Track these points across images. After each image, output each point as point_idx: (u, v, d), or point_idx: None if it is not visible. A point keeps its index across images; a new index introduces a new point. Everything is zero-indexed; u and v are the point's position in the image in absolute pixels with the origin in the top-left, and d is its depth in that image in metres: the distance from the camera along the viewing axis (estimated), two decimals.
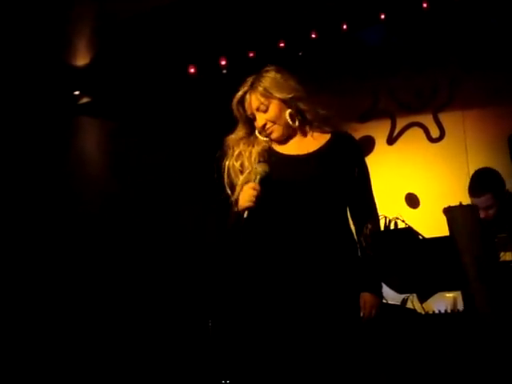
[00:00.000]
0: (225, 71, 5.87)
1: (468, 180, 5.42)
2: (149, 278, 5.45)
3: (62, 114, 5.46)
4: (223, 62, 5.86)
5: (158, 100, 5.80)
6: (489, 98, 6.29)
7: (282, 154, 3.12)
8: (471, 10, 6.06)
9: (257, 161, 3.02)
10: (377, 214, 3.20)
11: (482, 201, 4.65)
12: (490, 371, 4.07)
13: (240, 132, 3.17)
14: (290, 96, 3.08)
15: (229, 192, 3.08)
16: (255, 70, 3.23)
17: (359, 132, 6.35)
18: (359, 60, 6.48)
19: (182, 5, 5.28)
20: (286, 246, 2.97)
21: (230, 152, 3.12)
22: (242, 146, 3.11)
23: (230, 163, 3.10)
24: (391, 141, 6.67)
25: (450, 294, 4.97)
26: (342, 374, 2.87)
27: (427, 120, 6.58)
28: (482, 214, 4.66)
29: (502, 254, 4.45)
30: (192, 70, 5.84)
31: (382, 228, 4.48)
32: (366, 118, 6.70)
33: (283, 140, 3.14)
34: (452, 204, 4.91)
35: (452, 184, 6.18)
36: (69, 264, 5.14)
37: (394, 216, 4.47)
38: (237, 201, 2.99)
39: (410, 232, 4.42)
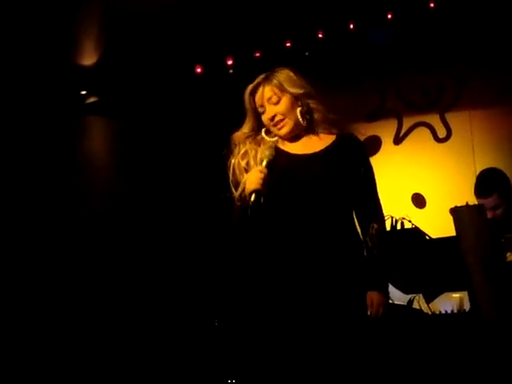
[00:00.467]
0: (231, 71, 5.87)
1: (475, 180, 5.41)
2: (155, 277, 5.46)
3: (69, 114, 5.48)
4: (230, 62, 5.87)
5: (165, 99, 5.80)
6: (496, 97, 6.27)
7: (288, 153, 3.13)
8: (478, 9, 6.04)
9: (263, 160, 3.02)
10: (382, 213, 3.20)
11: (489, 201, 4.64)
12: (496, 372, 4.06)
13: (246, 128, 3.17)
14: (302, 92, 3.10)
15: (233, 190, 3.08)
16: (262, 70, 3.24)
17: (366, 131, 6.33)
18: (366, 60, 6.46)
19: (189, 4, 5.29)
20: (292, 244, 2.98)
21: (236, 150, 3.13)
22: (248, 144, 3.11)
23: (236, 161, 3.11)
24: (398, 141, 6.65)
25: (456, 295, 4.96)
26: (348, 374, 2.87)
27: (434, 120, 6.56)
28: (489, 215, 4.66)
29: (508, 254, 4.44)
30: (199, 70, 5.85)
31: (389, 228, 4.48)
32: (372, 117, 6.68)
33: (290, 138, 3.14)
34: (459, 204, 4.91)
35: (459, 184, 6.16)
36: (75, 261, 5.16)
37: (401, 216, 4.45)
38: (241, 197, 2.99)
39: (416, 232, 4.41)
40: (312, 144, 3.13)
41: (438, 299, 4.59)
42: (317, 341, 2.90)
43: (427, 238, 4.42)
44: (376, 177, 3.21)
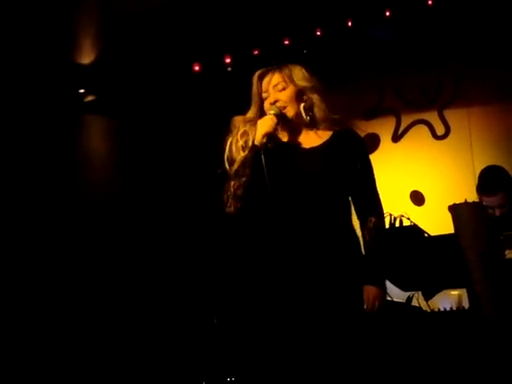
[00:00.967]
0: (229, 69, 5.87)
1: (473, 177, 5.40)
2: (154, 275, 5.47)
3: (67, 112, 5.48)
4: (228, 60, 5.87)
5: (163, 97, 5.80)
6: (494, 94, 6.28)
7: (287, 145, 3.14)
8: (476, 6, 6.04)
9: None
10: (381, 208, 3.20)
11: (496, 199, 4.64)
12: (495, 368, 4.07)
13: (249, 113, 3.19)
14: (308, 85, 3.13)
15: (227, 167, 3.08)
16: (260, 68, 3.24)
17: (364, 129, 6.32)
18: (364, 58, 6.46)
19: (187, 2, 5.29)
20: (288, 238, 2.98)
21: (235, 131, 3.14)
22: (248, 126, 3.12)
23: (234, 139, 3.12)
24: (396, 138, 6.66)
25: (455, 292, 4.98)
26: (346, 371, 2.87)
27: (432, 117, 6.57)
28: (497, 212, 4.67)
29: (507, 251, 4.44)
30: (197, 68, 5.85)
31: (388, 226, 4.48)
32: (371, 115, 6.68)
33: (289, 131, 3.15)
34: (457, 201, 4.92)
35: (457, 181, 6.17)
36: (74, 259, 5.17)
37: (400, 213, 4.46)
38: (236, 172, 3.02)
39: (415, 230, 4.41)
40: (310, 139, 3.14)
41: (436, 296, 4.60)
42: (314, 338, 2.90)
43: (426, 235, 4.43)
44: (375, 174, 3.21)
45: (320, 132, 3.16)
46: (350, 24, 5.99)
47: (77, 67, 5.50)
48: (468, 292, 4.67)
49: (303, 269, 2.95)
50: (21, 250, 4.92)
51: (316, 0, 5.66)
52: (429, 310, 4.51)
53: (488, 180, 4.74)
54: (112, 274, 5.31)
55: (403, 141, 6.64)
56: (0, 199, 4.93)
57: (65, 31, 5.11)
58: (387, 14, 5.99)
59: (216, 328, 5.27)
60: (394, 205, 4.52)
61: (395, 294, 4.53)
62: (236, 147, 3.11)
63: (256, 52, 5.86)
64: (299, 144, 3.14)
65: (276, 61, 3.27)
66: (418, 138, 6.58)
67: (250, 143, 3.06)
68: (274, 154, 3.04)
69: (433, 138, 6.55)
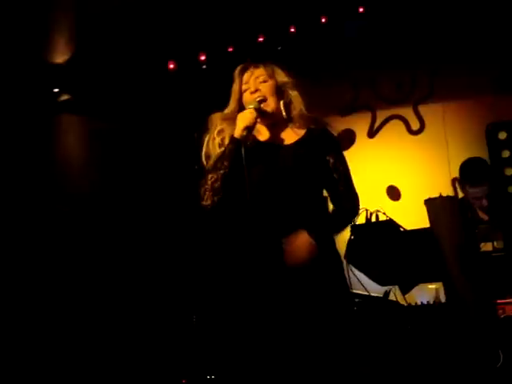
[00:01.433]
0: (204, 66, 5.87)
1: (448, 172, 5.46)
2: (133, 273, 5.45)
3: (41, 112, 5.45)
4: (203, 58, 5.86)
5: (138, 96, 5.78)
6: (468, 90, 6.32)
7: (262, 142, 3.15)
8: (450, 2, 6.07)
9: None
10: (357, 200, 3.18)
11: (483, 190, 4.69)
12: (473, 360, 4.11)
13: (227, 109, 3.19)
14: (288, 81, 3.17)
15: (204, 162, 3.09)
16: (235, 65, 3.25)
17: (340, 125, 6.35)
18: (339, 54, 6.48)
19: (161, 1, 5.27)
20: (265, 234, 2.98)
21: (213, 128, 3.15)
22: (225, 124, 3.13)
23: (211, 136, 3.14)
24: (372, 134, 6.68)
25: (432, 286, 5.01)
26: (324, 365, 2.88)
27: (407, 112, 6.61)
28: (485, 202, 4.70)
29: (482, 244, 4.49)
30: (171, 66, 5.84)
31: (364, 221, 4.51)
32: (346, 111, 6.70)
33: (267, 126, 3.16)
34: (433, 196, 4.97)
35: (433, 176, 6.21)
36: (55, 261, 5.15)
37: (375, 209, 4.49)
38: (214, 164, 3.02)
39: (391, 224, 4.46)
40: (286, 136, 3.16)
41: (414, 290, 4.66)
42: (293, 334, 2.90)
43: (402, 229, 4.47)
44: (351, 170, 3.22)
45: (295, 129, 3.18)
46: (323, 20, 6.00)
47: (51, 66, 5.47)
48: (445, 286, 4.72)
49: (280, 266, 2.95)
50: None
51: None
52: (406, 304, 4.53)
53: (473, 171, 4.76)
54: (90, 270, 5.29)
55: (379, 136, 6.67)
56: None
57: (38, 30, 5.08)
58: (361, 10, 6.01)
59: (195, 326, 5.26)
60: (370, 200, 4.55)
61: (372, 288, 4.57)
62: (213, 144, 3.12)
63: (231, 49, 5.85)
64: (275, 141, 3.15)
65: (251, 58, 3.28)
66: (393, 133, 6.62)
67: (227, 141, 3.07)
68: (251, 152, 3.04)
69: (408, 134, 6.59)
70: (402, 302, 4.53)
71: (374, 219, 4.46)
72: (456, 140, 6.32)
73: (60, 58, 5.46)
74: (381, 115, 6.68)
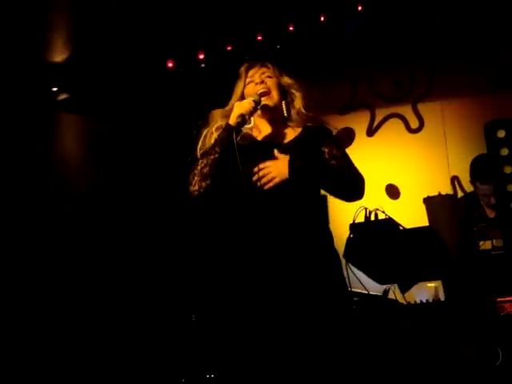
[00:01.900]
0: (203, 65, 5.87)
1: (447, 170, 5.45)
2: (131, 272, 5.45)
3: (40, 111, 5.45)
4: (201, 56, 5.86)
5: (137, 94, 5.78)
6: (467, 88, 6.31)
7: (260, 142, 3.15)
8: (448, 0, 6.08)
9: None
10: (360, 178, 3.16)
11: (491, 187, 4.68)
12: (472, 358, 4.10)
13: (228, 107, 3.20)
14: (292, 82, 3.23)
15: (198, 155, 3.09)
16: (233, 64, 3.27)
17: (339, 124, 6.33)
18: (338, 52, 6.47)
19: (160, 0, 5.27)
20: (258, 236, 2.97)
21: (213, 123, 3.16)
22: (225, 120, 3.14)
23: (209, 131, 3.16)
24: (371, 132, 6.68)
25: (431, 284, 5.00)
26: (323, 364, 2.88)
27: (406, 111, 6.60)
28: (493, 200, 4.69)
29: (481, 242, 4.49)
30: (170, 65, 5.84)
31: (363, 219, 4.50)
32: (345, 110, 6.70)
33: (267, 122, 3.17)
34: (432, 194, 4.97)
35: (432, 174, 6.21)
36: (52, 257, 5.15)
37: (374, 207, 4.48)
38: (205, 151, 3.03)
39: (390, 223, 4.46)
40: (282, 134, 3.17)
41: (413, 289, 4.65)
42: (289, 333, 2.90)
43: (401, 228, 4.47)
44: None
45: (293, 127, 3.19)
46: (322, 19, 5.99)
47: (49, 65, 5.47)
48: (444, 284, 4.72)
49: (274, 262, 2.95)
50: None
51: None
52: (405, 303, 4.53)
53: (483, 168, 4.74)
54: (90, 272, 5.29)
55: (378, 135, 6.67)
56: None
57: (37, 29, 5.07)
58: (359, 8, 6.00)
59: (194, 325, 5.26)
60: (370, 199, 4.53)
61: (372, 287, 4.57)
62: (209, 139, 3.13)
63: (229, 48, 5.85)
64: (273, 139, 3.16)
65: (249, 56, 3.30)
66: (392, 131, 6.61)
67: None
68: (248, 149, 3.04)
69: (407, 132, 6.59)
70: (402, 301, 4.53)
71: (373, 218, 4.46)
72: (455, 138, 6.32)
73: (58, 56, 5.46)
74: (380, 113, 6.68)
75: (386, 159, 6.50)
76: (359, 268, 4.43)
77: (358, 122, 6.69)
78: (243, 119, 2.99)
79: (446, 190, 5.02)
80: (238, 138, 2.99)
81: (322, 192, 3.15)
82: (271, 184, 2.99)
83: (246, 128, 3.12)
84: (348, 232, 4.46)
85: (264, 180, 2.99)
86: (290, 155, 3.03)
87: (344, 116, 6.66)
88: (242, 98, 3.20)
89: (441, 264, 4.36)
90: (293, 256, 2.95)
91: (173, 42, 5.73)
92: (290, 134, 3.17)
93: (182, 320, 5.35)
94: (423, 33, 6.29)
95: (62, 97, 5.70)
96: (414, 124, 6.57)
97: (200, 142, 3.14)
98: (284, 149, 3.08)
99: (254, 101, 3.06)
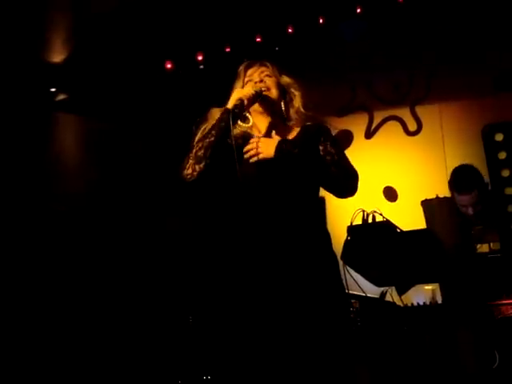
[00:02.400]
0: (202, 66, 5.87)
1: (445, 173, 5.44)
2: (129, 273, 5.45)
3: (38, 111, 5.45)
4: (200, 58, 5.86)
5: (135, 95, 5.78)
6: (465, 90, 6.32)
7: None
8: (447, 2, 6.08)
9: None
10: (354, 174, 3.16)
11: (470, 197, 4.72)
12: (468, 361, 4.11)
13: (228, 105, 3.19)
14: (292, 82, 3.22)
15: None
16: (232, 65, 3.27)
17: (337, 126, 6.34)
18: (336, 55, 6.48)
19: (159, 0, 5.27)
20: (259, 235, 2.97)
21: (211, 120, 3.15)
22: None
23: (208, 126, 3.13)
24: (369, 135, 6.68)
25: (428, 287, 5.01)
26: (320, 366, 2.88)
27: (404, 113, 6.61)
28: (470, 211, 4.73)
29: (478, 246, 4.50)
30: (169, 66, 5.84)
31: (360, 222, 4.50)
32: (343, 112, 6.71)
33: (266, 118, 3.17)
34: (429, 197, 4.98)
35: (429, 177, 6.21)
36: (49, 257, 5.15)
37: (372, 209, 4.48)
38: (201, 136, 3.03)
39: (387, 225, 4.46)
40: (281, 133, 3.16)
41: (410, 291, 4.66)
42: (289, 336, 2.90)
43: (398, 230, 4.47)
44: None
45: (293, 127, 3.18)
46: (321, 21, 6.00)
47: (48, 66, 5.47)
48: (441, 286, 4.73)
49: (272, 264, 2.94)
50: None
51: None
52: (402, 305, 4.53)
53: (461, 178, 4.79)
54: (87, 273, 5.29)
55: (376, 137, 6.67)
56: None
57: (36, 29, 5.08)
58: (358, 10, 6.01)
59: (192, 327, 5.26)
60: (367, 201, 4.55)
61: (369, 289, 4.57)
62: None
63: (228, 49, 5.85)
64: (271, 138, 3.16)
65: (248, 58, 3.29)
66: (390, 134, 6.62)
67: None
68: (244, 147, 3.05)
69: (405, 134, 6.59)
70: (399, 303, 4.54)
71: (370, 220, 4.46)
72: (453, 141, 6.33)
73: (57, 57, 5.46)
74: (378, 116, 6.68)
75: (383, 162, 6.50)
76: (357, 270, 4.44)
77: (357, 125, 6.69)
78: (242, 104, 2.98)
79: (444, 192, 5.02)
80: (236, 128, 3.01)
81: (321, 194, 3.15)
82: (255, 158, 2.99)
83: (245, 127, 3.13)
84: (345, 234, 4.46)
85: (250, 153, 2.99)
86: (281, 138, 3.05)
87: (342, 118, 6.66)
88: None
89: (438, 267, 4.36)
90: (291, 257, 2.94)
91: (171, 43, 5.73)
92: (289, 133, 3.17)
93: (179, 322, 5.35)
94: (421, 36, 6.30)
95: (61, 97, 5.70)
96: (412, 127, 6.58)
97: (197, 137, 3.13)
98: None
99: (255, 90, 3.06)
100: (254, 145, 3.01)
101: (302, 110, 3.20)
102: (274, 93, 3.16)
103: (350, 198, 3.16)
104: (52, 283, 5.13)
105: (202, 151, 3.00)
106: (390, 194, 6.48)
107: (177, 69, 5.85)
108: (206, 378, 5.04)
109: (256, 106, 3.12)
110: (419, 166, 6.39)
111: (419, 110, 6.57)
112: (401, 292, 4.51)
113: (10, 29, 4.92)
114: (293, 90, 3.22)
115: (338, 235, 4.31)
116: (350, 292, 4.22)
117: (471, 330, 4.24)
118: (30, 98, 5.43)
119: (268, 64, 3.24)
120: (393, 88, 6.65)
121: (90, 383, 5.05)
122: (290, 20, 5.93)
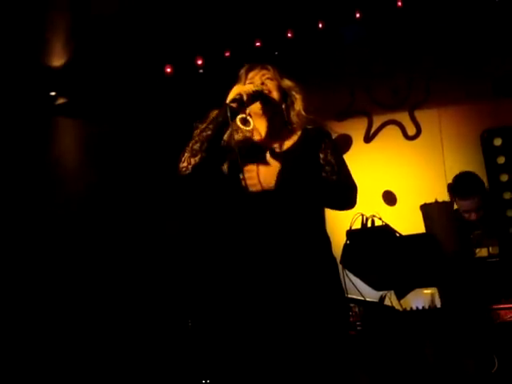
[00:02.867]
0: (201, 71, 5.87)
1: (444, 177, 5.46)
2: (128, 276, 5.45)
3: (38, 115, 5.45)
4: (199, 62, 5.87)
5: (135, 99, 5.79)
6: (464, 95, 6.33)
7: (257, 144, 3.15)
8: (446, 6, 6.09)
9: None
10: (353, 186, 3.16)
11: (472, 203, 4.75)
12: (467, 366, 4.11)
13: None
14: (293, 85, 3.23)
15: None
16: (232, 70, 3.27)
17: (336, 130, 6.33)
18: (335, 59, 6.50)
19: (158, 4, 5.28)
20: (259, 239, 2.98)
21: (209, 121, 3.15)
22: None
23: (206, 127, 3.13)
24: (368, 139, 6.69)
25: (427, 291, 5.01)
26: (319, 370, 2.88)
27: (403, 118, 6.61)
28: (473, 216, 4.76)
29: (477, 250, 4.51)
30: (168, 70, 5.85)
31: (359, 226, 4.51)
32: (343, 116, 6.71)
33: (266, 123, 3.17)
34: (428, 201, 4.98)
35: (428, 181, 6.22)
36: (49, 260, 5.15)
37: (371, 214, 4.49)
38: (200, 131, 3.04)
39: (387, 230, 4.46)
40: (281, 138, 3.15)
41: (409, 296, 4.66)
42: (288, 340, 2.90)
43: (398, 235, 4.47)
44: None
45: (294, 131, 3.18)
46: (320, 26, 6.01)
47: (48, 70, 5.47)
48: (440, 291, 4.73)
49: (271, 267, 2.94)
50: None
51: (287, 2, 5.67)
52: (401, 309, 4.54)
53: (463, 184, 4.82)
54: (87, 276, 5.29)
55: (375, 141, 6.68)
56: None
57: (35, 33, 5.08)
58: (357, 15, 6.03)
59: (191, 330, 5.26)
60: (366, 205, 4.55)
61: (368, 293, 4.57)
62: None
63: (227, 54, 5.86)
64: (271, 142, 3.15)
65: (248, 62, 3.29)
66: (389, 138, 6.63)
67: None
68: (247, 154, 3.05)
69: (404, 139, 6.60)
70: (398, 307, 4.54)
71: (369, 224, 4.46)
72: (452, 145, 6.34)
73: (57, 61, 5.46)
74: (377, 120, 6.69)
75: (383, 166, 6.51)
76: (356, 274, 4.44)
77: (356, 129, 6.70)
78: (241, 99, 2.99)
79: (443, 197, 5.03)
80: (236, 135, 3.03)
81: None
82: (254, 189, 3.00)
83: (245, 130, 3.13)
84: (345, 238, 4.46)
85: (249, 183, 3.00)
86: (281, 164, 3.04)
87: (341, 122, 6.67)
88: None
89: (437, 271, 4.37)
90: (291, 261, 2.95)
91: (171, 47, 5.74)
92: (290, 137, 3.16)
93: (178, 325, 5.35)
94: (421, 40, 6.31)
95: (60, 101, 5.70)
96: (411, 131, 6.59)
97: (195, 132, 3.14)
98: (281, 156, 3.08)
99: (255, 88, 3.06)
100: (253, 174, 3.01)
101: (302, 113, 3.20)
102: (275, 95, 3.16)
103: None
104: (52, 286, 5.13)
105: (198, 144, 3.00)
106: (389, 198, 6.49)
107: (176, 73, 5.86)
108: (205, 381, 5.04)
109: (257, 109, 3.12)
110: (418, 171, 6.40)
111: (418, 114, 6.58)
112: (400, 296, 4.52)
113: (9, 33, 4.93)
114: (294, 94, 3.22)
115: (338, 239, 4.31)
116: (349, 296, 4.23)
117: (470, 334, 4.25)
118: (30, 102, 5.44)
119: (269, 67, 3.24)
120: (392, 92, 6.65)
121: None
122: (289, 24, 5.95)
